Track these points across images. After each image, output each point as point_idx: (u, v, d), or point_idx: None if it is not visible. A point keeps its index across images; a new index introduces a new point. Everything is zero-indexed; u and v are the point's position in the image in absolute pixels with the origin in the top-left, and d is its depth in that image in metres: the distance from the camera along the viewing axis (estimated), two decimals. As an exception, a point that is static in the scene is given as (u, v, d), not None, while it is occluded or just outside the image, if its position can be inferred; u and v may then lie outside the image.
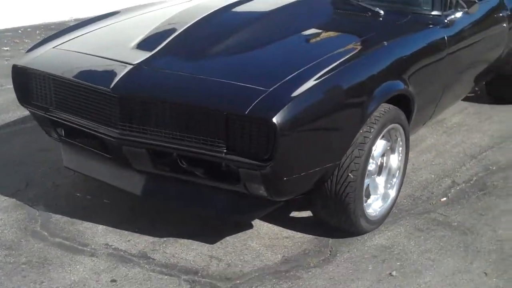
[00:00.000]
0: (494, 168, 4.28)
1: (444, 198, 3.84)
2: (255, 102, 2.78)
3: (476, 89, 5.48)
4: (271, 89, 2.86)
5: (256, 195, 3.05)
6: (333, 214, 3.29)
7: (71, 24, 8.41)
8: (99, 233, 3.38)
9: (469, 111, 5.40)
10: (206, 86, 3.00)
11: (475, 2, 4.16)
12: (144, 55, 3.24)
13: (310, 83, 2.91)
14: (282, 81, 2.91)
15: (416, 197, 3.85)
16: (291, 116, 2.76)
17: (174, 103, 2.96)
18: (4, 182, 3.93)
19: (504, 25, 4.82)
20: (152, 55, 3.23)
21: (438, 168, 4.26)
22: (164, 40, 3.35)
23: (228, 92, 2.93)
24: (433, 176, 4.14)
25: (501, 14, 4.78)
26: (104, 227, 3.44)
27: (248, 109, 2.76)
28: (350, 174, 3.13)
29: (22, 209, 3.62)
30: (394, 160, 3.57)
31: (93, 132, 3.24)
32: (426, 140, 4.72)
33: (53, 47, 3.59)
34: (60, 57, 3.49)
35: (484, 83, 5.26)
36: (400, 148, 3.58)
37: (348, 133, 3.11)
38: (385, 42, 3.45)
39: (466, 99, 5.35)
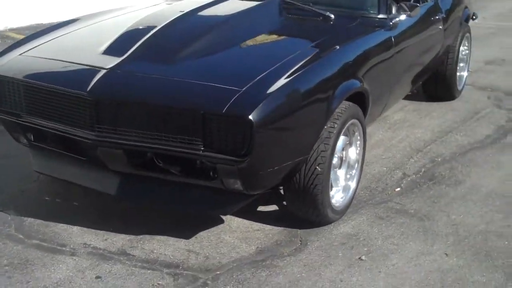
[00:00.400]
0: (439, 159, 4.58)
1: (398, 189, 4.10)
2: (231, 101, 2.94)
3: (414, 88, 5.80)
4: (244, 88, 3.03)
5: (231, 190, 3.20)
6: (302, 205, 3.49)
7: (6, 33, 8.47)
8: (75, 234, 3.46)
9: (409, 108, 5.72)
10: (181, 87, 3.15)
11: (416, 6, 4.45)
12: (116, 59, 3.34)
13: (280, 82, 3.10)
14: (253, 81, 3.09)
15: (372, 188, 4.09)
16: (265, 113, 2.94)
17: (150, 105, 3.09)
18: (-32, 191, 3.94)
19: (440, 27, 5.16)
20: (124, 59, 3.34)
21: (388, 161, 4.53)
22: (134, 44, 3.46)
23: (203, 93, 3.08)
24: (385, 169, 4.40)
25: (437, 17, 5.11)
26: (79, 227, 3.51)
27: (225, 108, 2.92)
28: (317, 167, 3.33)
29: (-8, 213, 3.65)
30: (353, 153, 3.80)
31: (67, 135, 3.32)
32: (373, 136, 4.99)
33: (20, 54, 3.65)
34: (28, 63, 3.55)
35: (421, 82, 5.58)
36: (358, 142, 3.81)
37: (315, 128, 3.31)
38: (337, 46, 3.67)
39: (405, 97, 5.65)
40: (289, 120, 3.12)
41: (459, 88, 5.99)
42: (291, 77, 3.17)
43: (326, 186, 3.43)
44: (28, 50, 3.68)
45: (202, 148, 3.00)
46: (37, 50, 3.68)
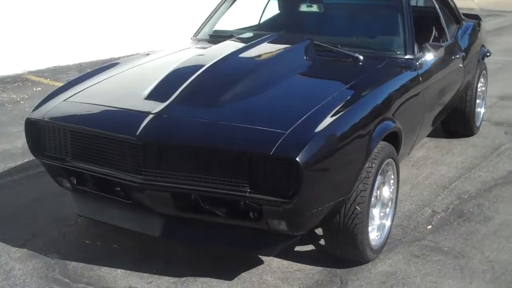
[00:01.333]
0: (466, 196, 4.67)
1: (430, 226, 4.17)
2: (278, 143, 3.05)
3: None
4: (289, 130, 3.14)
5: (275, 231, 3.28)
6: (341, 244, 3.56)
7: (26, 76, 8.61)
8: (120, 277, 3.52)
9: (430, 145, 5.82)
10: (227, 130, 3.25)
11: (441, 46, 4.59)
12: (162, 103, 3.44)
13: (323, 123, 3.22)
14: (297, 123, 3.20)
15: (405, 226, 4.17)
16: (312, 154, 3.04)
17: (198, 148, 3.19)
18: (9, 234, 4.00)
19: (460, 65, 5.29)
20: (170, 103, 3.44)
21: (417, 199, 4.61)
22: (178, 87, 3.56)
23: (250, 136, 3.18)
24: (414, 206, 4.48)
25: (457, 55, 5.24)
26: (122, 270, 3.58)
27: (273, 150, 3.02)
28: (357, 206, 3.42)
29: (36, 258, 3.71)
30: (387, 192, 3.88)
31: (114, 179, 3.40)
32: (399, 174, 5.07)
33: (64, 100, 3.75)
34: (74, 109, 3.65)
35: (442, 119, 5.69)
36: (392, 181, 3.90)
37: (355, 168, 3.41)
38: (373, 87, 3.80)
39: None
40: (333, 161, 3.22)
41: (477, 124, 6.10)
42: (333, 119, 3.28)
43: (366, 225, 3.51)
44: (72, 96, 3.78)
45: (249, 190, 3.09)
46: (81, 95, 3.78)
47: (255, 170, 3.07)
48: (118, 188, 3.52)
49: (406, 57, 4.40)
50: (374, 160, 3.52)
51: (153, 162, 3.25)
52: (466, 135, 5.99)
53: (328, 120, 3.26)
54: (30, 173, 5.09)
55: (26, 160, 5.31)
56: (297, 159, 2.97)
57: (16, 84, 8.07)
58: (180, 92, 3.53)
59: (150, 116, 3.34)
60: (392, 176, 3.89)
